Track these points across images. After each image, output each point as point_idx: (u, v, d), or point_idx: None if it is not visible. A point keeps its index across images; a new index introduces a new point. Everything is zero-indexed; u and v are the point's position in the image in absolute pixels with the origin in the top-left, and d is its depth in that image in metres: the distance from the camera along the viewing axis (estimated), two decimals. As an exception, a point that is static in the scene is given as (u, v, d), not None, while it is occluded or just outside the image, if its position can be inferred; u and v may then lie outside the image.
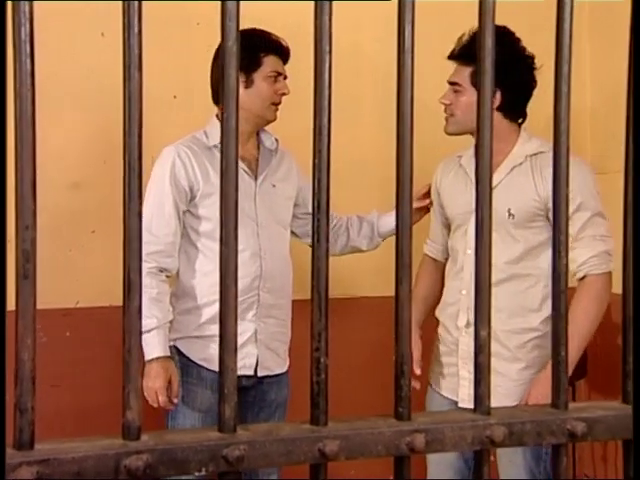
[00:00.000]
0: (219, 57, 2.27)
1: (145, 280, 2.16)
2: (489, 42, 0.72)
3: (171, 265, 2.22)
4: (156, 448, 0.61)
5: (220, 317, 0.68)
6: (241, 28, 2.26)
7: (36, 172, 0.61)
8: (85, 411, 2.71)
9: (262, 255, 2.26)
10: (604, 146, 3.13)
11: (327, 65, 0.69)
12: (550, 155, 2.62)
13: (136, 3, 0.61)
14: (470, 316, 2.16)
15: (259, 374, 2.29)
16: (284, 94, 2.25)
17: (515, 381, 2.14)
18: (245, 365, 2.26)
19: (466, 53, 2.10)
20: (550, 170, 2.55)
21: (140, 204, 0.64)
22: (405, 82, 0.71)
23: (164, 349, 2.15)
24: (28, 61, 0.58)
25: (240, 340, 2.23)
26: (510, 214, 2.10)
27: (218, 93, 2.23)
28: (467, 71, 2.13)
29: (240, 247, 2.60)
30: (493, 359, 2.14)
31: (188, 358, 2.23)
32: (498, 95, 2.11)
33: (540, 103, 3.21)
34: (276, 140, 2.38)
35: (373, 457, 0.69)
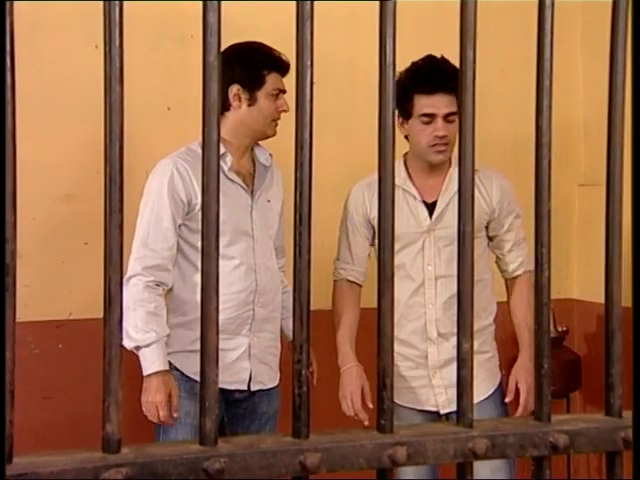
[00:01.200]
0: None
1: (143, 294, 2.16)
2: (471, 55, 0.72)
3: (168, 279, 2.21)
4: (136, 461, 0.62)
5: (202, 329, 0.68)
6: (238, 41, 2.21)
7: (16, 184, 0.61)
8: (77, 423, 2.71)
9: (257, 270, 2.26)
10: (598, 158, 3.14)
11: (309, 79, 0.69)
12: (484, 172, 2.84)
13: (117, 15, 0.61)
14: (439, 327, 2.33)
15: (252, 389, 2.28)
16: (284, 111, 2.25)
17: (488, 370, 2.38)
18: (239, 380, 2.25)
19: (450, 82, 2.14)
20: (491, 184, 2.71)
21: (121, 217, 0.64)
22: (387, 96, 0.71)
23: (164, 363, 2.15)
24: (9, 75, 0.59)
25: (234, 355, 2.24)
26: None
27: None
28: (454, 99, 2.21)
29: (236, 262, 2.36)
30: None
31: (181, 372, 2.22)
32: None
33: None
34: (270, 155, 2.38)
35: (355, 470, 0.69)
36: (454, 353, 2.63)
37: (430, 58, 2.24)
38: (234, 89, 2.23)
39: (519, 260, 2.39)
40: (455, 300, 2.46)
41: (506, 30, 3.13)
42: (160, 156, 2.27)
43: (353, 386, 2.27)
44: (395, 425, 0.72)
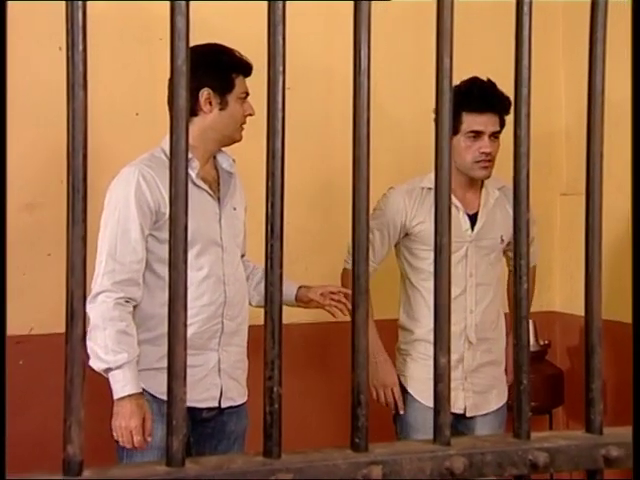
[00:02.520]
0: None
1: (113, 312, 2.11)
2: (447, 63, 0.73)
3: (138, 294, 2.17)
4: (99, 483, 0.61)
5: (169, 344, 0.68)
6: (201, 42, 2.18)
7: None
8: (39, 444, 2.68)
9: (225, 281, 2.24)
10: (580, 167, 3.18)
11: (280, 85, 0.70)
12: (510, 187, 2.96)
13: (80, 17, 0.61)
14: (478, 332, 2.59)
15: (223, 405, 2.27)
16: (250, 115, 2.26)
17: (500, 382, 2.65)
18: (209, 397, 2.23)
19: (498, 103, 2.43)
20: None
21: (85, 228, 0.64)
22: (361, 104, 0.72)
23: (137, 385, 2.11)
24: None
25: (203, 371, 2.22)
26: (502, 240, 2.61)
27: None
28: (499, 119, 2.51)
29: (204, 273, 2.42)
30: (493, 369, 2.60)
31: (148, 392, 2.19)
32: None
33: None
34: (233, 161, 2.36)
35: (328, 490, 0.69)
36: (488, 357, 2.75)
37: (477, 79, 2.47)
38: (204, 93, 2.22)
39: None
40: (492, 306, 2.73)
41: (490, 35, 3.17)
42: (128, 162, 2.26)
43: (392, 378, 2.55)
44: (370, 444, 0.72)
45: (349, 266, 2.54)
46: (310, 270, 3.08)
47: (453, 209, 2.52)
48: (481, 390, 2.59)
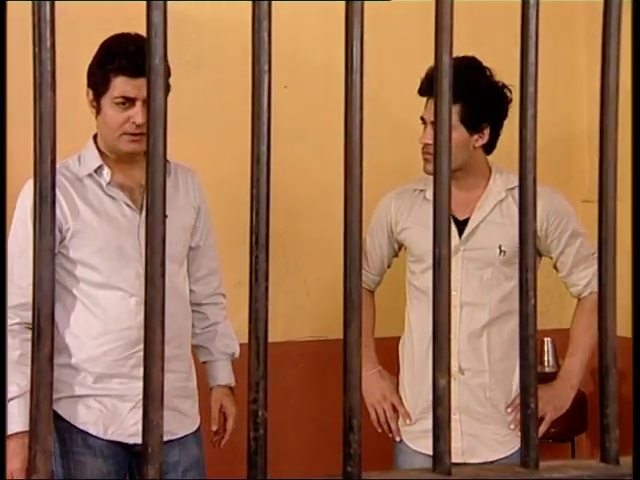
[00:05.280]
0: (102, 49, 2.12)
1: (8, 339, 2.06)
2: (446, 60, 0.74)
3: None
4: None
5: (145, 364, 0.68)
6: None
7: None
8: None
9: None
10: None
11: (266, 85, 0.70)
12: None
13: (48, 11, 0.62)
14: (462, 361, 2.31)
15: None
16: (134, 123, 2.11)
17: (514, 423, 2.34)
18: (137, 432, 2.13)
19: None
20: (539, 204, 2.66)
21: (53, 240, 0.64)
22: (354, 106, 0.72)
23: (24, 424, 2.02)
24: None
25: (128, 404, 2.15)
26: (501, 251, 2.31)
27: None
28: (455, 108, 2.23)
29: (120, 294, 2.23)
30: (486, 408, 2.20)
31: (70, 423, 2.15)
32: (487, 132, 2.33)
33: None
34: (167, 161, 2.30)
35: (317, 523, 0.69)
36: (478, 394, 2.37)
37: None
38: (88, 94, 2.17)
39: (582, 282, 2.41)
40: (485, 332, 2.36)
41: (499, 31, 3.17)
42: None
43: (378, 394, 2.33)
44: (364, 473, 0.72)
45: (364, 284, 2.50)
46: (309, 283, 3.08)
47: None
48: (474, 432, 2.32)
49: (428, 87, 2.27)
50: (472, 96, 2.23)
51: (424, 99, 2.34)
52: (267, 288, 0.71)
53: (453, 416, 2.23)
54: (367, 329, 2.41)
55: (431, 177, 2.60)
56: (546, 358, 3.12)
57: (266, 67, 0.70)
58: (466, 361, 2.30)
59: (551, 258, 2.42)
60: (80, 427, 2.15)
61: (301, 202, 3.01)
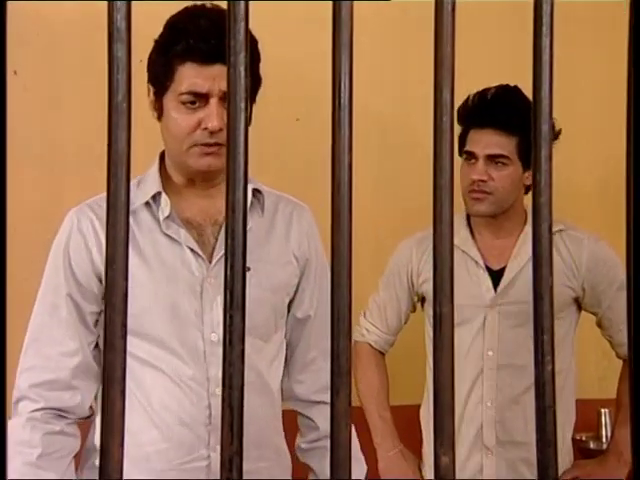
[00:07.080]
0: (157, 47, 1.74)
1: (23, 433, 1.60)
2: (447, 96, 0.69)
3: (72, 401, 1.63)
4: None
5: (102, 439, 0.63)
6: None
7: None
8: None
9: (212, 390, 1.64)
10: None
11: (243, 125, 0.66)
12: (572, 233, 2.61)
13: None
14: (499, 432, 2.14)
15: None
16: (207, 129, 1.59)
17: None
18: None
19: (511, 121, 2.08)
20: (580, 249, 2.48)
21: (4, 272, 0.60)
22: (342, 124, 0.68)
23: None
24: None
25: None
26: None
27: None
28: (512, 140, 2.12)
29: (173, 374, 1.68)
30: None
31: None
32: (529, 174, 2.20)
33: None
34: (257, 191, 1.71)
35: None
36: (521, 470, 2.15)
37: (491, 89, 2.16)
38: (150, 91, 1.66)
39: None
40: (527, 398, 2.07)
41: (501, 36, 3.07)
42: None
43: (403, 473, 2.18)
44: None
45: (361, 337, 2.33)
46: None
47: (470, 263, 2.18)
48: None
49: (474, 116, 2.13)
50: (529, 128, 2.16)
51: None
52: (243, 351, 0.66)
53: None
54: (382, 399, 2.28)
55: (461, 221, 2.49)
56: (603, 432, 2.76)
57: (242, 105, 0.66)
58: (505, 433, 2.14)
59: (595, 314, 2.26)
60: None
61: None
